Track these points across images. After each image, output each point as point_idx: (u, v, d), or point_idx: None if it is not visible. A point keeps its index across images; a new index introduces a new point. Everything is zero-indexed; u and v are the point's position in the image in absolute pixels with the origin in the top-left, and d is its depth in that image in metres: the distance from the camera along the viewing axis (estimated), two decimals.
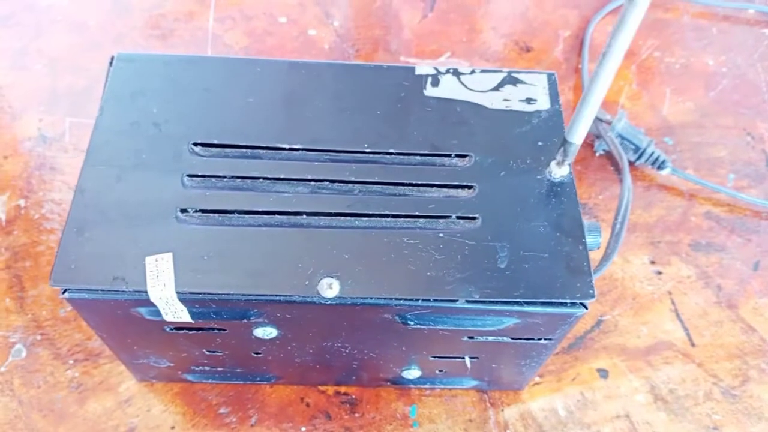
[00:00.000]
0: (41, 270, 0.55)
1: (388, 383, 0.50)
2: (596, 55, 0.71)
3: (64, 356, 0.51)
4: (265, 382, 0.50)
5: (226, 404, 0.50)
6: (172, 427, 0.49)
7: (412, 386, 0.50)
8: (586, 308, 0.38)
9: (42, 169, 0.60)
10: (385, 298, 0.37)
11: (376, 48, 0.70)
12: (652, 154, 0.61)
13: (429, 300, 0.37)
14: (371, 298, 0.37)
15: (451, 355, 0.44)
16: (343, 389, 0.51)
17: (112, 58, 0.45)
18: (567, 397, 0.51)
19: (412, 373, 0.47)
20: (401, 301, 0.37)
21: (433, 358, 0.45)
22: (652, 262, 0.58)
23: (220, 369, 0.47)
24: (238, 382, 0.50)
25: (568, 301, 0.37)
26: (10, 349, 0.51)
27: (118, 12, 0.72)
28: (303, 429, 0.49)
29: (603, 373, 0.53)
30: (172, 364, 0.46)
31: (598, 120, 0.62)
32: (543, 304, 0.37)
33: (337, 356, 0.44)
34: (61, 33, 0.70)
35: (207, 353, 0.44)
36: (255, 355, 0.44)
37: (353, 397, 0.51)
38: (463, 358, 0.44)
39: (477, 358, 0.44)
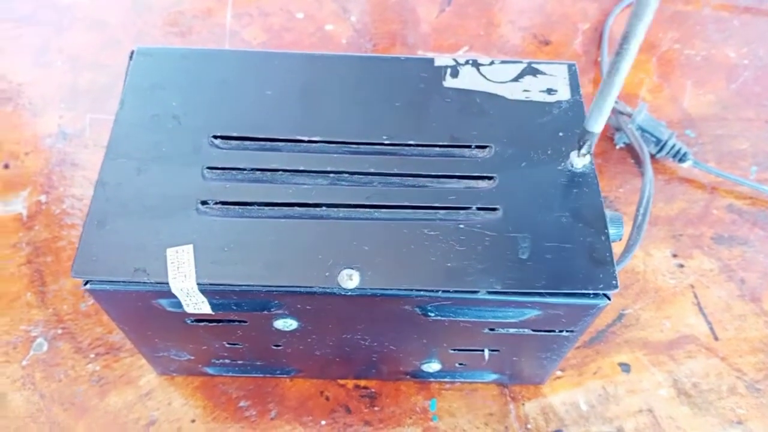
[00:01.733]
0: (62, 265, 0.55)
1: (408, 377, 0.49)
2: (616, 47, 0.70)
3: (85, 350, 0.51)
4: (284, 376, 0.50)
5: (246, 398, 0.50)
6: (193, 421, 0.49)
7: (432, 380, 0.50)
8: (609, 299, 0.37)
9: (63, 164, 0.60)
10: (405, 290, 0.37)
11: (394, 42, 0.70)
12: (674, 146, 0.60)
13: (449, 291, 0.37)
14: (391, 289, 0.37)
15: (471, 348, 0.44)
16: (362, 383, 0.51)
17: (132, 53, 0.45)
18: (589, 391, 0.51)
19: (432, 366, 0.46)
20: (421, 293, 0.37)
21: (453, 351, 0.44)
22: (674, 256, 0.57)
23: (240, 362, 0.47)
24: (258, 376, 0.50)
25: (591, 292, 0.37)
26: (32, 343, 0.52)
27: (138, 10, 0.72)
28: (323, 422, 0.49)
29: (625, 368, 0.52)
30: (192, 357, 0.46)
31: (618, 113, 0.61)
32: (565, 295, 0.37)
33: (357, 349, 0.44)
34: (82, 31, 0.70)
35: (227, 346, 0.44)
36: (275, 347, 0.44)
37: (373, 390, 0.50)
38: (483, 350, 0.44)
39: (498, 350, 0.44)
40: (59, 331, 0.52)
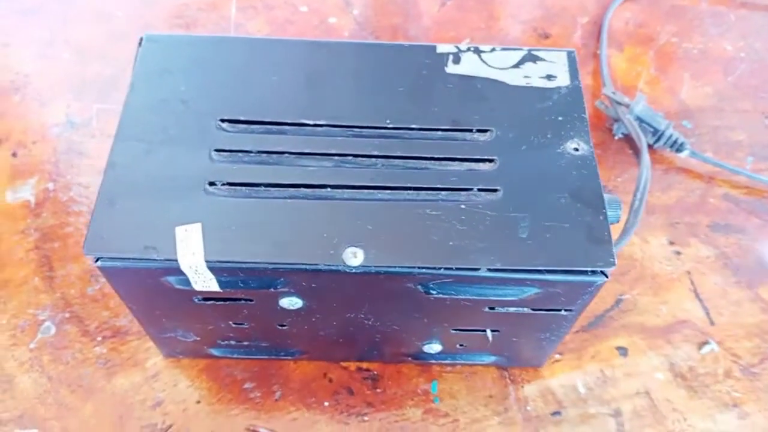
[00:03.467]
0: (69, 251, 0.56)
1: (410, 359, 0.50)
2: (614, 40, 0.72)
3: (92, 333, 0.52)
4: (289, 357, 0.51)
5: (251, 380, 0.51)
6: (198, 402, 0.50)
7: (432, 362, 0.51)
8: (607, 277, 0.38)
9: (70, 153, 0.61)
10: (408, 267, 0.38)
11: (396, 35, 0.71)
12: (671, 136, 0.61)
13: (451, 268, 0.38)
14: (395, 266, 0.38)
15: (472, 328, 0.45)
16: (365, 365, 0.52)
17: (141, 39, 0.46)
18: (587, 374, 0.52)
19: (434, 347, 0.47)
20: (423, 270, 0.38)
21: (454, 331, 0.45)
22: (671, 243, 0.58)
23: (245, 343, 0.48)
24: (263, 357, 0.51)
25: (589, 269, 0.38)
26: (40, 326, 0.53)
27: (144, 2, 0.73)
28: (326, 404, 0.50)
29: (622, 351, 0.53)
30: (198, 338, 0.47)
31: (616, 103, 0.62)
32: (564, 272, 0.38)
33: (361, 329, 0.45)
34: (88, 23, 0.71)
35: (233, 326, 0.45)
36: (280, 327, 0.45)
37: (375, 373, 0.51)
38: (484, 331, 0.45)
39: (498, 331, 0.45)
40: (67, 315, 0.53)
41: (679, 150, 0.62)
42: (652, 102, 0.67)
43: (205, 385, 0.51)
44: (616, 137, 0.64)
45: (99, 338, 0.52)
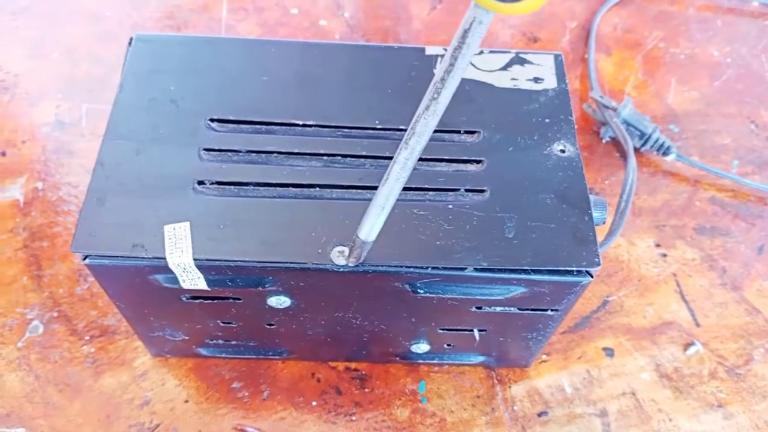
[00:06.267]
0: (58, 250, 0.56)
1: (398, 358, 0.51)
2: (602, 45, 0.72)
3: (80, 332, 0.52)
4: (277, 357, 0.51)
5: (239, 379, 0.51)
6: (186, 401, 0.50)
7: (420, 362, 0.51)
8: (592, 276, 0.39)
9: (59, 153, 0.61)
10: (395, 266, 0.38)
11: (386, 38, 0.72)
12: (658, 140, 0.62)
13: (438, 268, 0.38)
14: (382, 266, 0.38)
15: (459, 328, 0.45)
16: (353, 365, 0.52)
17: (131, 39, 0.46)
18: (573, 374, 0.52)
19: (421, 347, 0.48)
20: (411, 269, 0.38)
21: (441, 331, 0.46)
22: (658, 245, 0.59)
23: (233, 342, 0.48)
24: (251, 357, 0.51)
25: (575, 269, 0.38)
26: (28, 325, 0.53)
27: (134, 3, 0.73)
28: (314, 403, 0.50)
29: (609, 352, 0.53)
30: (186, 337, 0.47)
31: (604, 107, 0.63)
32: (549, 272, 0.38)
33: (348, 328, 0.45)
34: (78, 23, 0.71)
35: (222, 324, 0.45)
36: (268, 326, 0.45)
37: (363, 372, 0.52)
38: (471, 330, 0.45)
39: (485, 330, 0.45)
40: (55, 314, 0.53)
41: (665, 153, 0.62)
42: (639, 106, 0.67)
43: (193, 384, 0.51)
44: (603, 141, 0.65)
45: (87, 337, 0.52)
